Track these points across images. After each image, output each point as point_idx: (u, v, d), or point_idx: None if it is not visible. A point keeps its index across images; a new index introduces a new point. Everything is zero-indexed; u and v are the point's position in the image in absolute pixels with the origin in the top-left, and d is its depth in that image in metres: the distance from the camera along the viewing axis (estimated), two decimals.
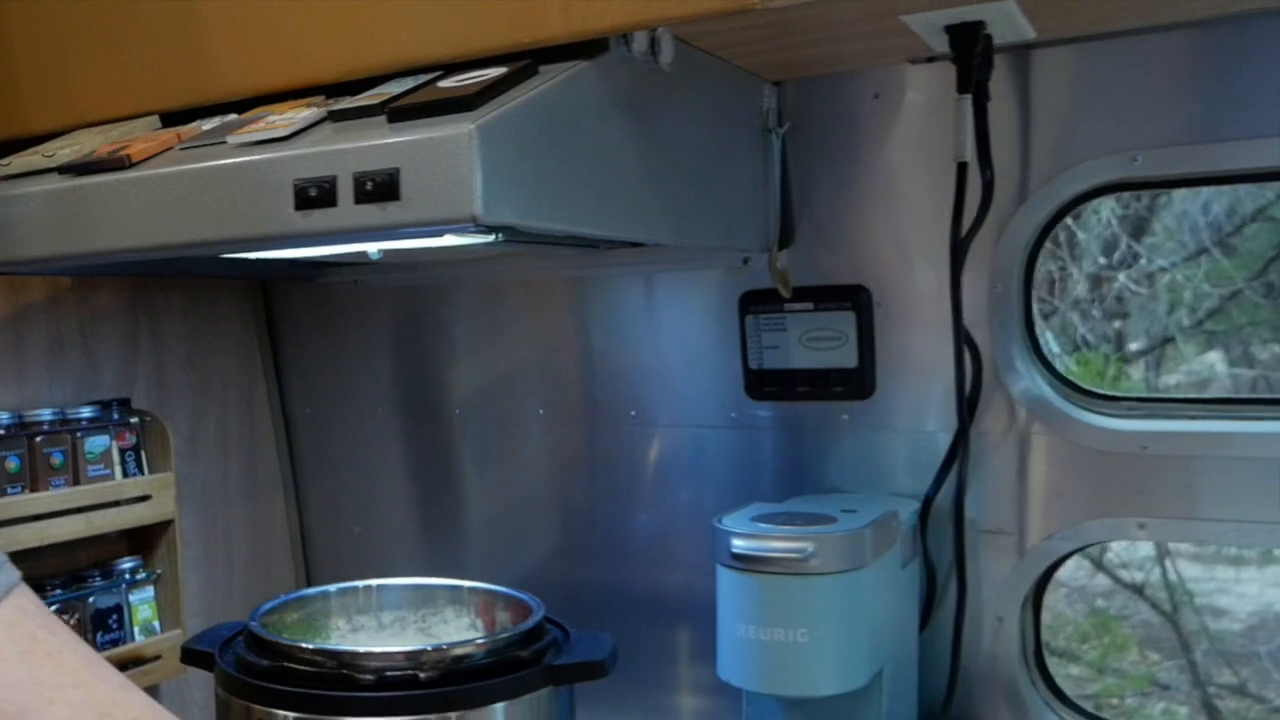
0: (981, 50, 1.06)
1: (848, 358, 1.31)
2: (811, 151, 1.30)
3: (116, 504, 1.38)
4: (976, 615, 1.28)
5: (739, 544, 1.07)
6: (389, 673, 0.89)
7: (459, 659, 0.92)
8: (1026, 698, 1.27)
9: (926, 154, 1.22)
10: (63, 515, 1.32)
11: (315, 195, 0.83)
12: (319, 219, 0.83)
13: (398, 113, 0.84)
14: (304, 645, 0.93)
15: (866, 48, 1.14)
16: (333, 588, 1.10)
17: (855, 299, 1.29)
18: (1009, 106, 1.17)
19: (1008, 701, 1.28)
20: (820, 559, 1.04)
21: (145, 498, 1.42)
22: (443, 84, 0.87)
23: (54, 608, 1.34)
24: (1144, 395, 1.60)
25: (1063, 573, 1.99)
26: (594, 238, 1.09)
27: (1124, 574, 2.88)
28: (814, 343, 1.33)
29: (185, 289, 1.56)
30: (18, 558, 1.26)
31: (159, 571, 1.47)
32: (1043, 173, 1.17)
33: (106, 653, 1.37)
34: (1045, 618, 1.32)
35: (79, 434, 1.36)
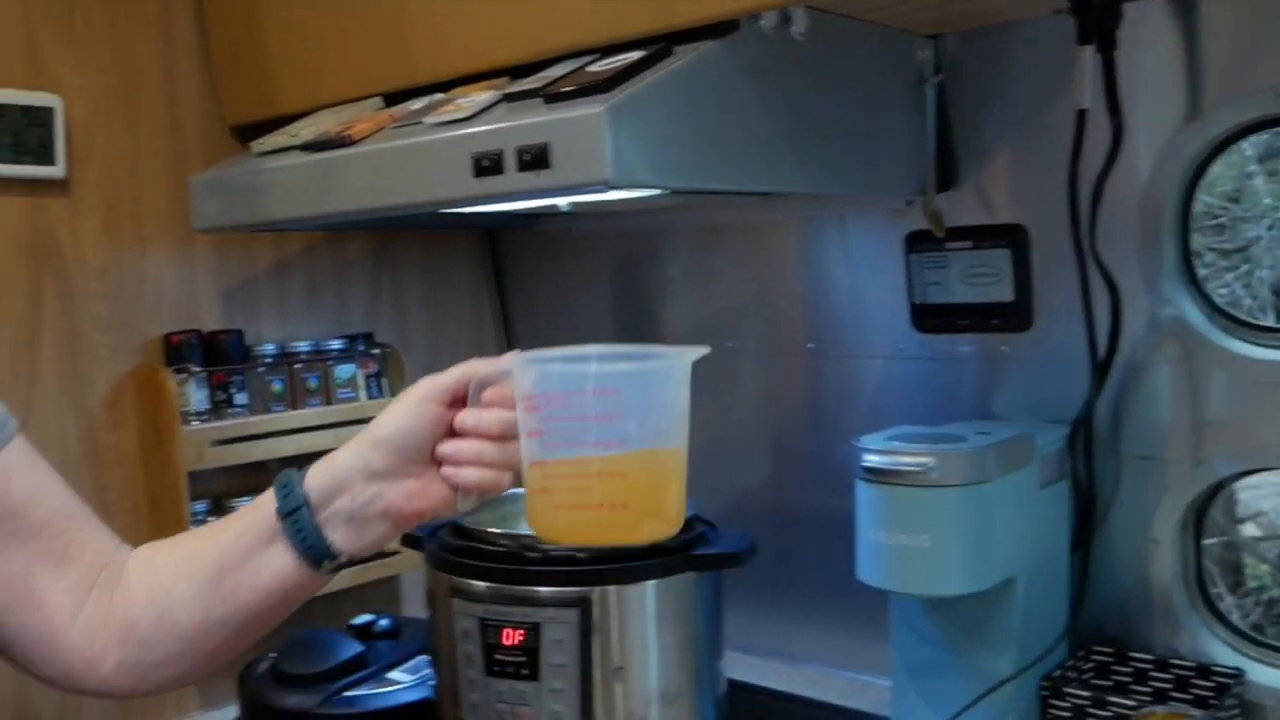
0: (1100, 3, 1.20)
1: (1005, 292, 1.46)
2: (970, 98, 1.45)
3: (363, 420, 1.71)
4: (1130, 538, 1.41)
5: (870, 459, 1.27)
6: (554, 552, 1.16)
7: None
8: (1182, 618, 1.39)
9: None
10: (316, 430, 1.65)
11: (487, 165, 1.08)
12: (491, 184, 1.09)
13: (551, 96, 1.09)
14: (490, 530, 1.21)
15: (1013, 2, 1.30)
16: (520, 490, 1.37)
17: (1012, 237, 1.44)
18: (1158, 47, 1.28)
19: (1165, 621, 1.39)
20: (940, 472, 1.23)
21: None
22: (591, 68, 1.11)
23: None
24: None
25: None
26: (726, 191, 1.31)
27: None
28: (973, 279, 1.49)
29: (422, 239, 1.88)
30: (287, 464, 1.62)
31: None
32: (1188, 112, 1.29)
33: None
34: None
35: (330, 363, 1.70)
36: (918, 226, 1.50)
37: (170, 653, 0.96)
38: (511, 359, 0.89)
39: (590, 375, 0.87)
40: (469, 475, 0.92)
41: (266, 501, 0.95)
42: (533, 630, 1.15)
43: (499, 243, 1.99)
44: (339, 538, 0.94)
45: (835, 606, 1.63)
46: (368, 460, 0.93)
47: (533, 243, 1.95)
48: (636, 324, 1.86)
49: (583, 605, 1.15)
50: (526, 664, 1.16)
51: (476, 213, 1.46)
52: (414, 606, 1.88)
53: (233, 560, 0.94)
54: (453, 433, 0.93)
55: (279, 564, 0.94)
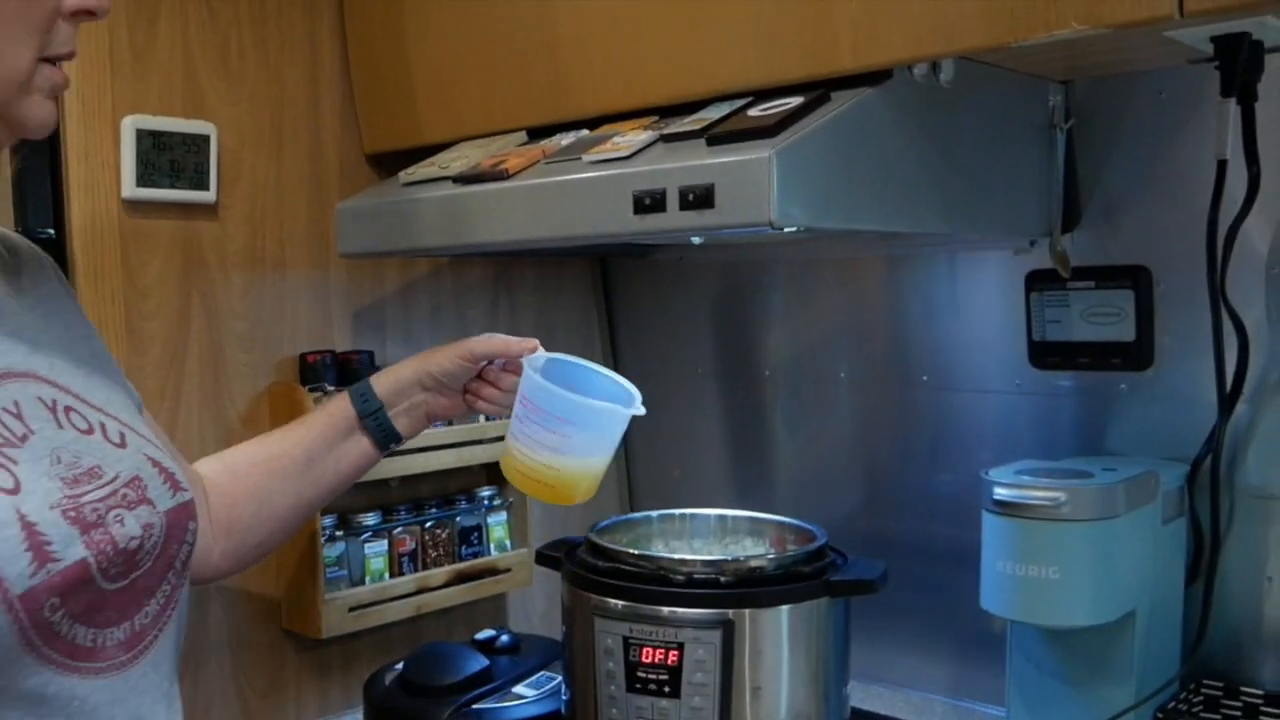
0: (1245, 57, 1.26)
1: (1126, 332, 1.52)
2: (1097, 143, 1.51)
3: (480, 442, 1.78)
4: (1246, 575, 1.45)
5: (1000, 492, 1.33)
6: (697, 575, 1.23)
7: (753, 569, 1.25)
8: None
9: (1207, 147, 1.36)
10: (440, 449, 1.72)
11: (649, 203, 1.16)
12: (651, 221, 1.16)
13: (714, 138, 1.16)
14: (631, 551, 1.28)
15: (1147, 54, 1.34)
16: (654, 514, 1.45)
17: (1135, 278, 1.50)
18: None
19: (1276, 657, 1.43)
20: (1070, 507, 1.29)
21: (502, 437, 1.82)
22: (751, 112, 1.19)
23: (430, 524, 1.76)
24: None
25: None
26: (874, 231, 1.38)
27: None
28: (1095, 318, 1.55)
29: (536, 265, 1.96)
30: (408, 481, 1.70)
31: (511, 500, 1.87)
32: None
33: (468, 563, 1.79)
34: None
35: None
36: (1038, 265, 1.56)
37: (266, 533, 1.25)
38: (527, 352, 1.25)
39: (557, 399, 1.17)
40: (482, 406, 1.32)
41: (340, 406, 1.29)
42: (676, 649, 1.22)
43: (609, 270, 2.07)
44: (401, 427, 1.30)
45: (945, 634, 1.69)
46: (422, 380, 1.30)
47: (641, 270, 2.03)
48: (741, 352, 1.93)
49: (725, 627, 1.22)
50: (668, 681, 1.23)
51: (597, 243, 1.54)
52: (519, 622, 1.96)
53: (319, 452, 1.27)
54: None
55: (357, 451, 1.29)
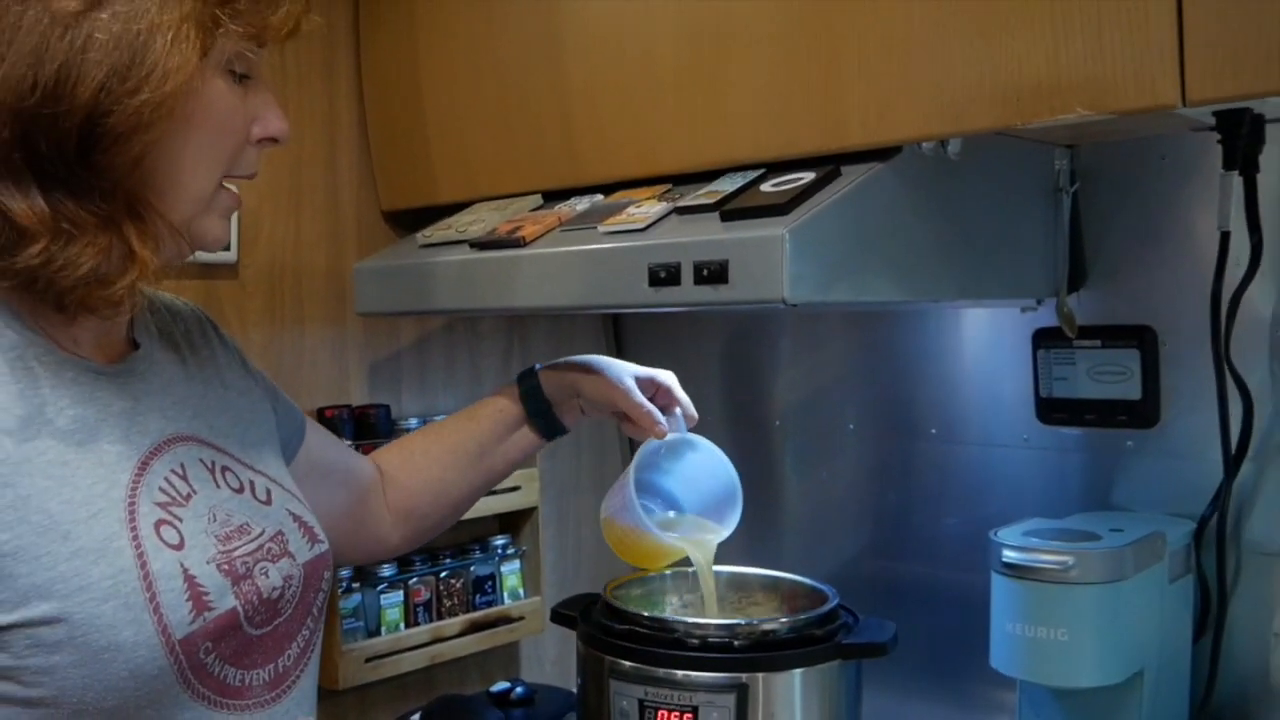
0: (1247, 131, 1.29)
1: (1132, 390, 1.54)
2: (1103, 205, 1.54)
3: (493, 493, 1.81)
4: (1252, 630, 1.48)
5: (1009, 555, 1.35)
6: (711, 639, 1.25)
7: (766, 633, 1.27)
8: None
9: (1210, 210, 1.40)
10: None
11: (664, 276, 1.19)
12: (666, 294, 1.19)
13: (728, 214, 1.19)
14: (645, 614, 1.30)
15: (1151, 123, 1.37)
16: (668, 573, 1.47)
17: (1141, 338, 1.52)
18: None
19: None
20: (1079, 571, 1.31)
21: (515, 488, 1.85)
22: (763, 187, 1.22)
23: (445, 574, 1.79)
24: None
25: None
26: (886, 302, 1.40)
27: None
28: (1101, 376, 1.57)
29: (549, 318, 1.99)
30: None
31: (524, 548, 1.90)
32: None
33: (481, 612, 1.82)
34: None
35: None
36: (1046, 323, 1.59)
37: (442, 516, 1.41)
38: (655, 436, 1.36)
39: (641, 520, 1.30)
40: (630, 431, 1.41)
41: (508, 404, 1.40)
42: (691, 713, 1.24)
43: (621, 321, 2.10)
44: (566, 423, 1.43)
45: (955, 688, 1.71)
46: (580, 391, 1.39)
47: (653, 322, 2.06)
48: (750, 402, 1.96)
49: (739, 690, 1.24)
50: None
51: None
52: (531, 669, 1.99)
53: (490, 445, 1.40)
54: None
55: (524, 443, 1.42)
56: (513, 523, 1.91)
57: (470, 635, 1.80)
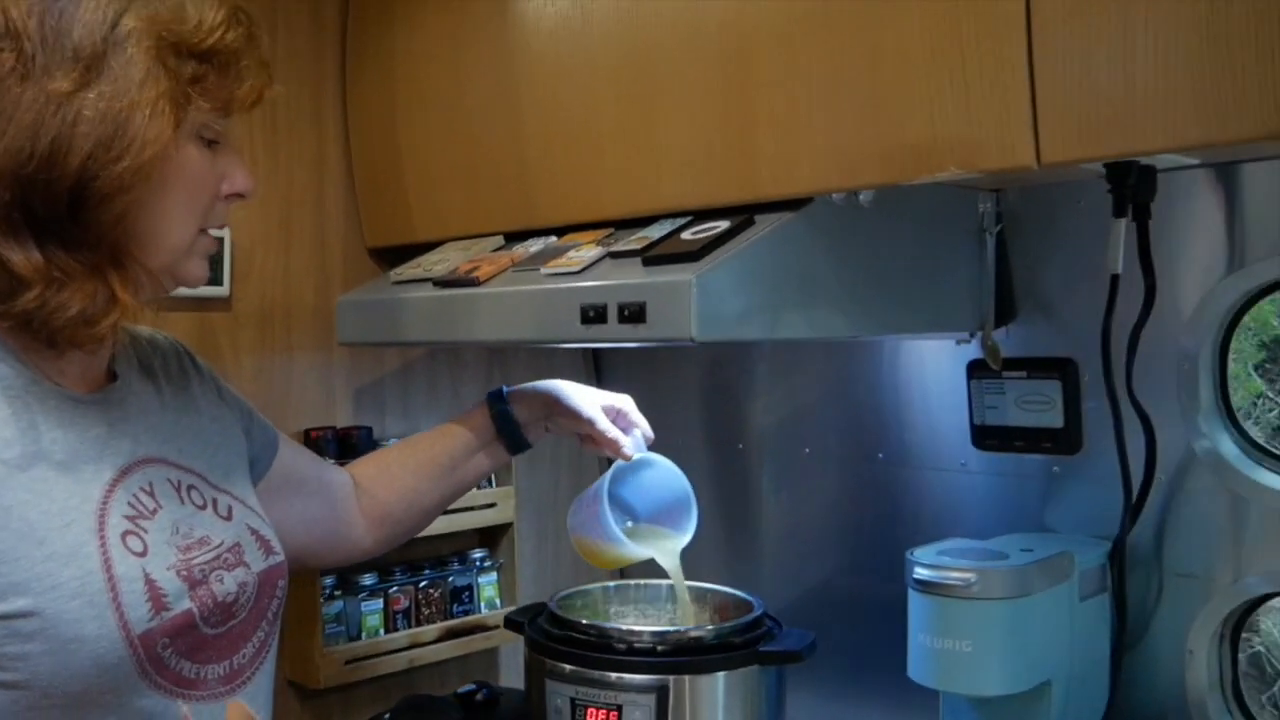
0: (1134, 182, 1.40)
1: (1056, 419, 1.65)
2: (1030, 244, 1.64)
3: (471, 509, 1.95)
4: (1169, 647, 1.57)
5: (920, 571, 1.47)
6: (637, 644, 1.38)
7: (691, 639, 1.40)
8: None
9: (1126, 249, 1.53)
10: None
11: (593, 315, 1.32)
12: (595, 331, 1.33)
13: (650, 259, 1.32)
14: (581, 621, 1.43)
15: (1061, 171, 1.48)
16: (611, 584, 1.61)
17: (1063, 369, 1.63)
18: (1195, 207, 1.47)
19: None
20: (980, 587, 1.43)
21: (492, 505, 1.99)
22: (684, 235, 1.35)
23: (424, 584, 1.93)
24: None
25: None
26: (801, 340, 1.53)
27: None
28: (1027, 404, 1.68)
29: (529, 349, 2.13)
30: (403, 545, 1.86)
31: (501, 561, 2.03)
32: (1227, 265, 1.47)
33: (459, 620, 1.96)
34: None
35: None
36: (978, 355, 1.70)
37: (413, 523, 1.55)
38: (622, 459, 1.51)
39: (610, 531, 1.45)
40: (592, 450, 1.57)
41: (480, 422, 1.54)
42: (616, 711, 1.37)
43: (600, 350, 2.23)
44: (531, 440, 1.56)
45: (893, 697, 1.83)
46: (548, 420, 1.55)
47: (631, 351, 2.19)
48: (722, 426, 2.09)
49: (660, 691, 1.37)
50: None
51: None
52: (510, 674, 2.12)
53: (462, 458, 1.53)
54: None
55: (492, 458, 1.56)
56: (490, 537, 2.04)
57: (447, 641, 1.93)
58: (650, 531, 1.57)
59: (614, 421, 1.53)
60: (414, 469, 1.53)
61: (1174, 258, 1.50)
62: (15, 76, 1.00)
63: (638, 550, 1.49)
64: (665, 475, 1.57)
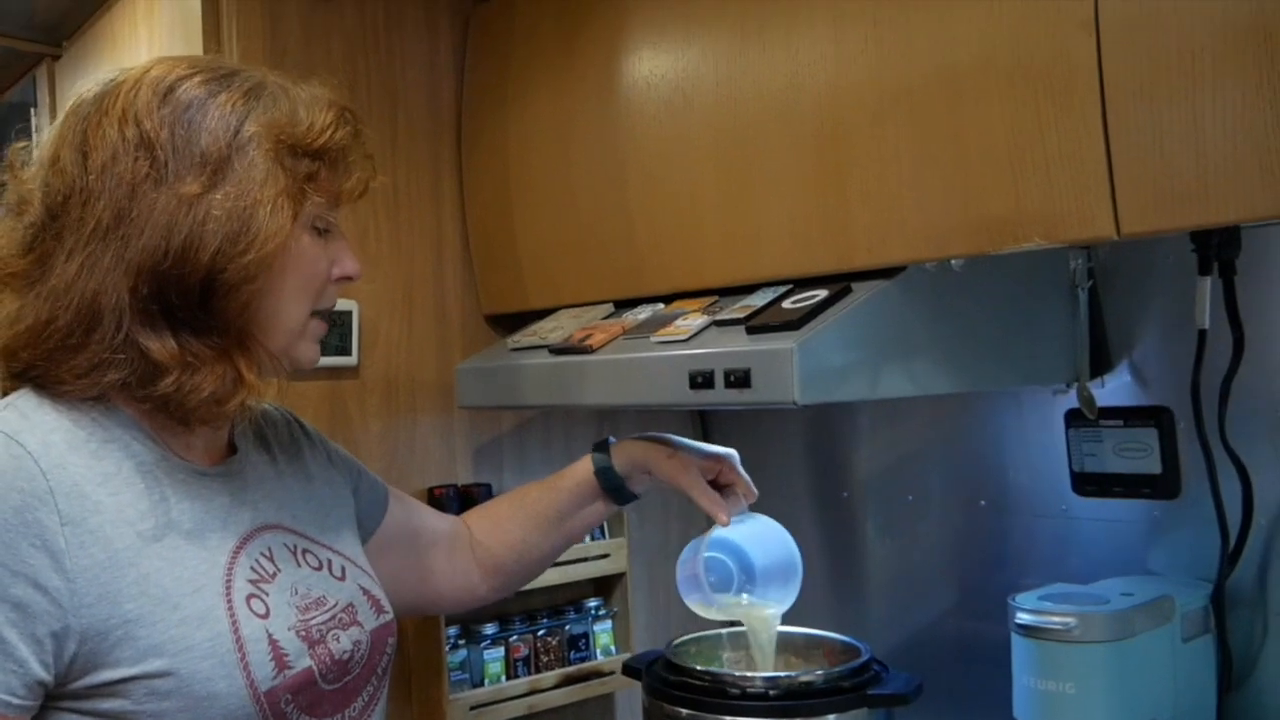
0: (1218, 242, 1.48)
1: (1154, 465, 1.71)
2: (1123, 298, 1.72)
3: (585, 559, 2.07)
4: (1273, 688, 1.60)
5: (1022, 616, 1.55)
6: (750, 689, 1.48)
7: (802, 684, 1.49)
8: None
9: (1213, 304, 1.58)
10: (559, 565, 1.97)
11: (700, 381, 1.43)
12: (702, 396, 1.44)
13: (753, 328, 1.43)
14: (696, 668, 1.54)
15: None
16: (724, 632, 1.70)
17: (1159, 418, 1.70)
18: None
19: None
20: (1081, 630, 1.51)
21: (606, 555, 2.10)
22: (785, 303, 1.45)
23: (542, 632, 2.05)
24: None
25: None
26: (898, 398, 1.62)
27: None
28: (1125, 452, 1.75)
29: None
30: (522, 594, 1.98)
31: (615, 609, 2.15)
32: None
33: (576, 666, 2.07)
34: None
35: None
36: (1075, 404, 1.78)
37: (525, 573, 1.64)
38: (719, 524, 1.52)
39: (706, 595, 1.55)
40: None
41: (585, 477, 1.59)
42: None
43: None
44: (637, 492, 1.60)
45: None
46: (650, 472, 1.57)
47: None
48: (825, 475, 2.18)
49: None
50: None
51: None
52: (625, 719, 2.22)
53: (569, 511, 1.59)
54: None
55: (599, 509, 1.61)
56: (605, 586, 2.16)
57: (564, 687, 2.04)
58: (749, 605, 1.63)
59: (718, 476, 1.57)
60: (522, 522, 1.60)
61: (1263, 309, 1.56)
62: (150, 182, 1.11)
63: (732, 616, 1.58)
64: (770, 532, 1.62)
